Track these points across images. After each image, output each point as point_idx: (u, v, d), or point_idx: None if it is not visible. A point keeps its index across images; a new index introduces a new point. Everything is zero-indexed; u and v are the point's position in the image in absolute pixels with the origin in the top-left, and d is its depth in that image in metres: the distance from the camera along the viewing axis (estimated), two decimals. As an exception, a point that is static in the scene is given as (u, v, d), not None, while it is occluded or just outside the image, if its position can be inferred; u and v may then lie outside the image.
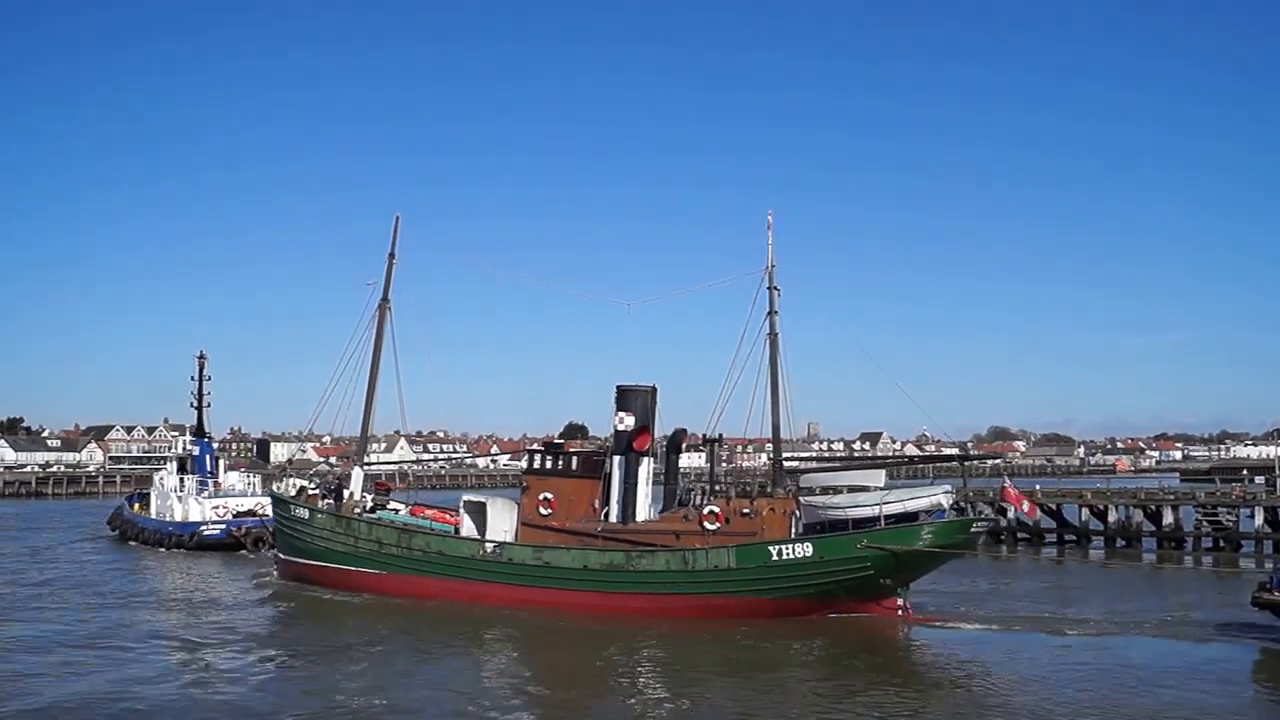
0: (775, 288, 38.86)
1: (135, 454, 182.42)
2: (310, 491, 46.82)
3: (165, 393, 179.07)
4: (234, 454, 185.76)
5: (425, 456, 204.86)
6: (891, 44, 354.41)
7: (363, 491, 46.38)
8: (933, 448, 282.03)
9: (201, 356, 72.67)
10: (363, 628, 34.97)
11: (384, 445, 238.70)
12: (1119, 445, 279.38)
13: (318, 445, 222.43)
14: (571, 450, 43.80)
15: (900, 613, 34.61)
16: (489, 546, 39.13)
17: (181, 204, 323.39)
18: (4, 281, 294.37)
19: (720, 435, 41.14)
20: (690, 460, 65.26)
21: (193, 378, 74.41)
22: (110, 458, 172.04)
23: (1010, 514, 55.22)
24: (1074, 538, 58.62)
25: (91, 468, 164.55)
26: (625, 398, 39.35)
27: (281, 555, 46.66)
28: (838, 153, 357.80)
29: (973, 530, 35.05)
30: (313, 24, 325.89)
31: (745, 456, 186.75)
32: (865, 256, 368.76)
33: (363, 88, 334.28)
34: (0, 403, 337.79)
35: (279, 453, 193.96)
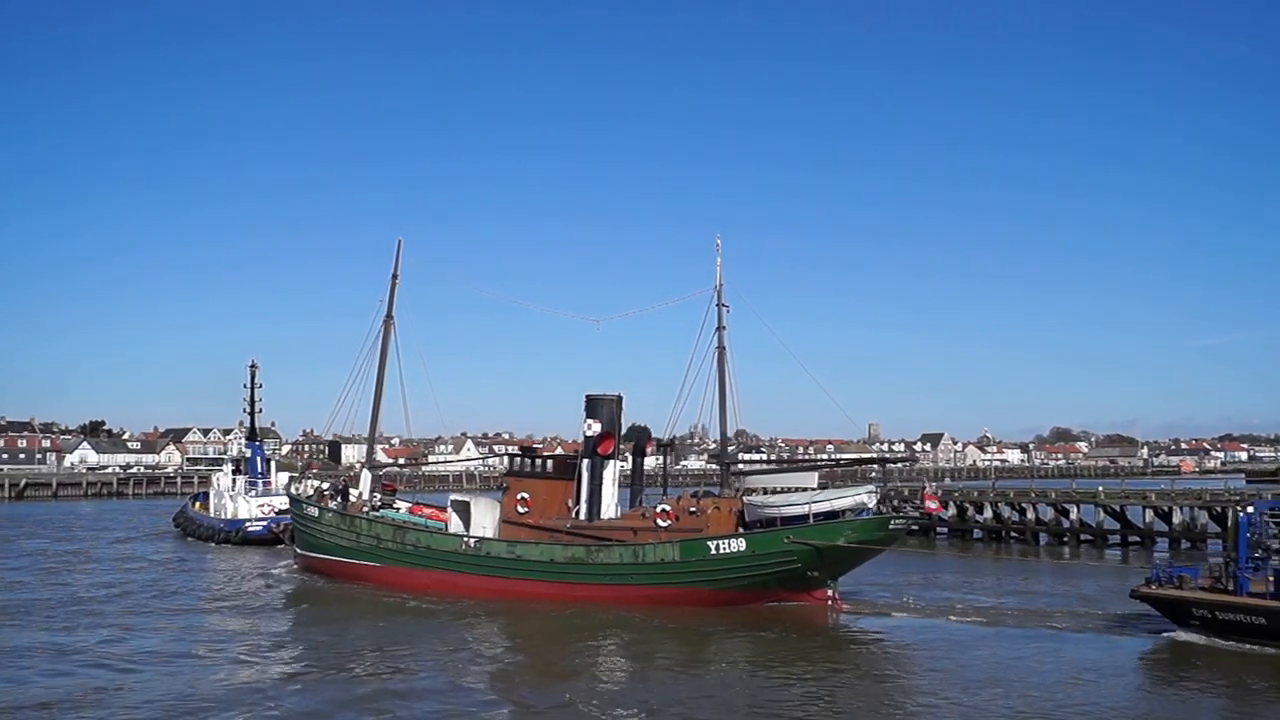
0: (724, 305, 42.30)
1: (211, 455, 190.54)
2: (325, 492, 51.43)
3: (240, 397, 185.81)
4: (306, 456, 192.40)
5: (492, 459, 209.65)
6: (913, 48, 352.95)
7: (371, 491, 51.02)
8: (994, 449, 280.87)
9: (253, 365, 78.32)
10: (354, 619, 38.78)
11: (452, 447, 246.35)
12: (1183, 446, 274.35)
13: (386, 447, 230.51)
14: (546, 454, 47.60)
15: (830, 602, 37.69)
16: (470, 541, 43.13)
17: (250, 215, 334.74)
18: (87, 290, 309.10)
19: (673, 440, 44.54)
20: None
21: (245, 385, 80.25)
22: (187, 459, 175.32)
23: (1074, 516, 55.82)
24: (1138, 539, 58.15)
25: (170, 469, 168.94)
26: (593, 406, 43.08)
27: (299, 550, 51.38)
28: (901, 161, 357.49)
29: (891, 528, 37.85)
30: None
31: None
32: (920, 262, 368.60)
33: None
34: (82, 407, 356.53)
35: (350, 454, 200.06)
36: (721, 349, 41.91)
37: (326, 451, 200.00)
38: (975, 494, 69.43)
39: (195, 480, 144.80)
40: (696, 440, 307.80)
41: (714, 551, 37.93)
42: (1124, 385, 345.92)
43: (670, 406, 42.59)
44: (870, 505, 38.11)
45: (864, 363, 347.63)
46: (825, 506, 38.00)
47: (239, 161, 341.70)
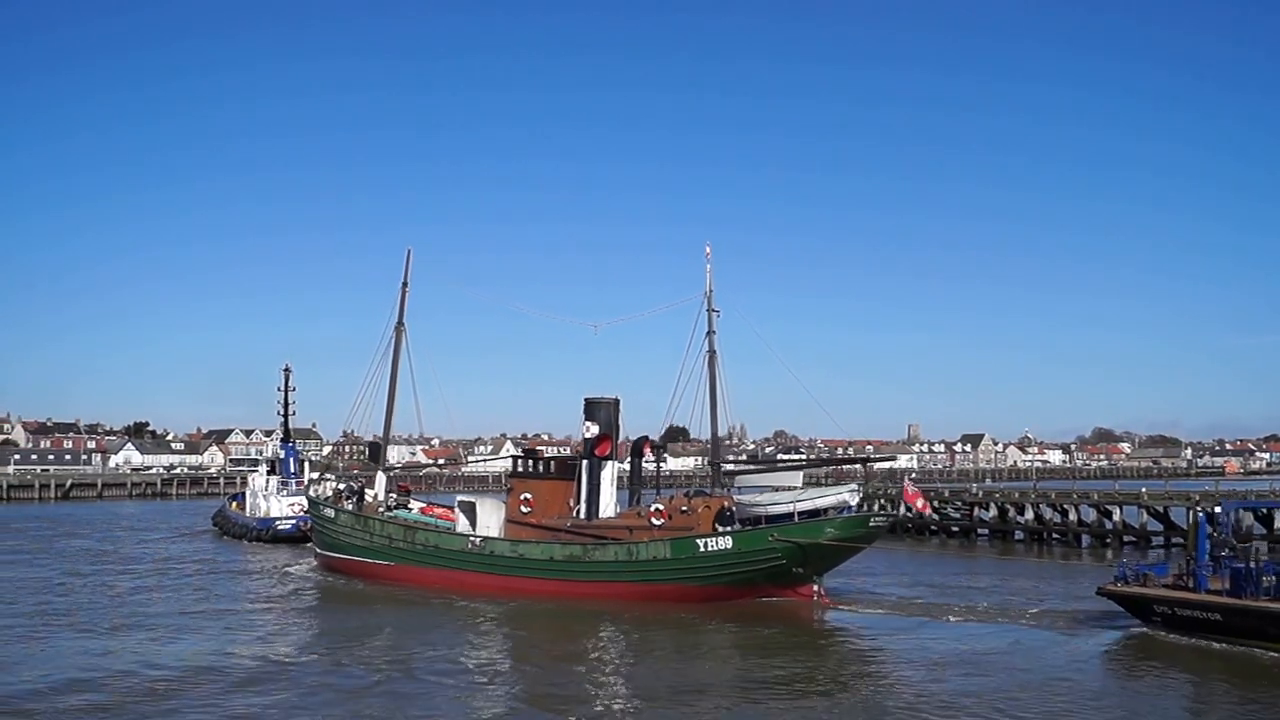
0: (715, 310, 43.78)
1: (253, 456, 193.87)
2: (341, 493, 53.42)
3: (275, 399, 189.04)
4: (347, 456, 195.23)
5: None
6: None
7: (387, 492, 52.93)
8: (1035, 450, 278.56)
9: (287, 369, 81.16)
10: (363, 612, 40.74)
11: (491, 448, 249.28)
12: (1228, 447, 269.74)
13: (427, 448, 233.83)
14: (547, 456, 49.21)
15: (815, 598, 38.88)
16: (475, 540, 44.80)
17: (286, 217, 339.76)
18: (131, 293, 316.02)
19: (666, 441, 45.96)
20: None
21: (279, 388, 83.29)
22: (230, 460, 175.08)
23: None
24: (1181, 541, 55.86)
25: (213, 469, 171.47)
26: (591, 408, 44.63)
27: (318, 550, 53.38)
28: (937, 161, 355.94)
29: (871, 525, 38.99)
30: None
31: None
32: (962, 265, 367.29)
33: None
34: (127, 408, 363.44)
35: (391, 455, 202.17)
36: (712, 353, 43.32)
37: (367, 452, 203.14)
38: (1016, 495, 69.25)
39: (237, 481, 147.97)
40: (735, 441, 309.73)
41: (703, 549, 39.27)
42: (1167, 385, 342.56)
43: (664, 409, 44.06)
44: (852, 504, 39.27)
45: (905, 365, 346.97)
46: (809, 505, 39.22)
47: (263, 162, 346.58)
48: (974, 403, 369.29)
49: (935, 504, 67.35)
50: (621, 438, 45.92)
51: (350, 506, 50.99)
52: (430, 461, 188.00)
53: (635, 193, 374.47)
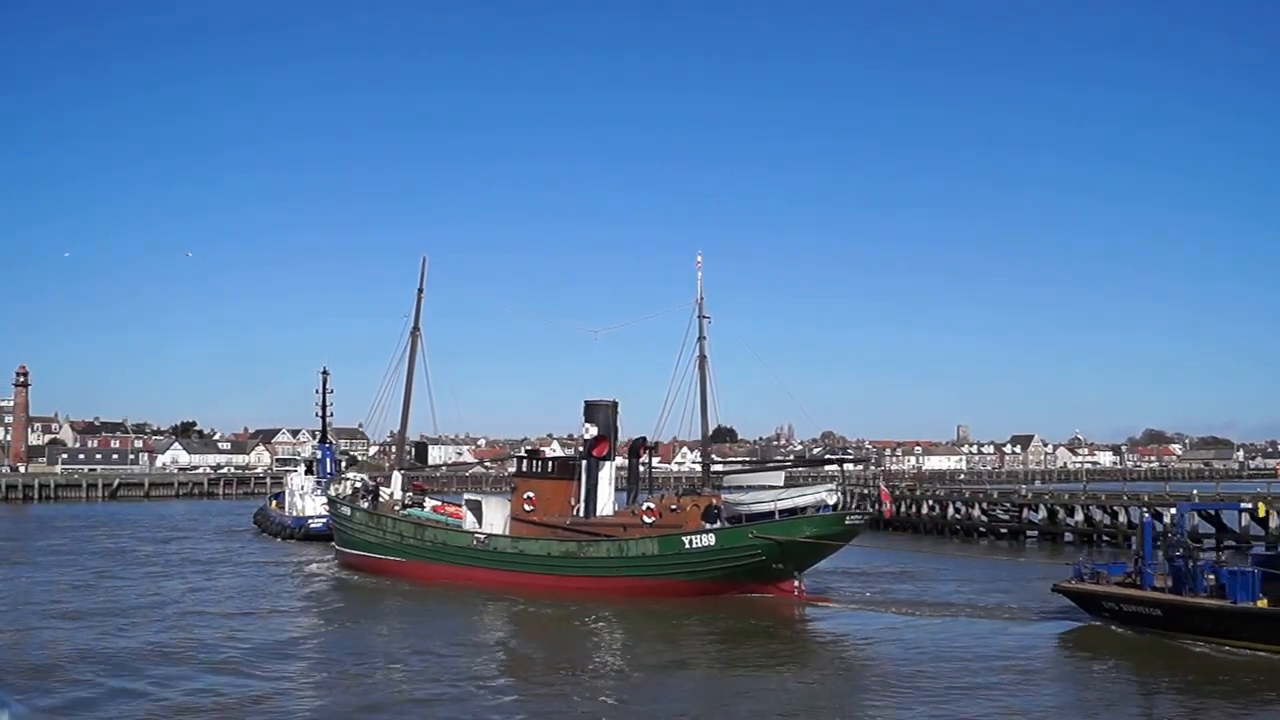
0: (705, 316, 45.66)
1: (307, 455, 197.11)
2: (359, 491, 55.95)
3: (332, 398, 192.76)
4: (394, 456, 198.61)
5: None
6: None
7: (402, 490, 55.38)
8: (1085, 451, 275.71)
9: (324, 372, 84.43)
10: (356, 612, 43.08)
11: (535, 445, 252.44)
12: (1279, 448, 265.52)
13: (473, 448, 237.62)
14: (549, 456, 51.31)
15: (795, 593, 40.49)
16: (480, 537, 46.99)
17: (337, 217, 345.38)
18: (181, 294, 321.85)
19: (657, 443, 47.85)
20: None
21: (317, 390, 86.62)
22: (276, 459, 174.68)
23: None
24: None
25: (259, 469, 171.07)
26: (591, 411, 46.63)
27: (337, 547, 55.92)
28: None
29: (846, 523, 40.52)
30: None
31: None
32: (1021, 265, 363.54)
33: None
34: (174, 408, 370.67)
35: (436, 455, 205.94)
36: (702, 358, 45.14)
37: (413, 452, 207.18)
38: (1066, 496, 68.93)
39: (283, 480, 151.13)
40: (783, 442, 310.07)
41: (687, 546, 41.07)
42: (1222, 386, 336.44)
43: (659, 411, 46.00)
44: (830, 503, 40.83)
45: (955, 366, 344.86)
46: (789, 504, 40.87)
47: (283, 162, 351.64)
48: (1024, 404, 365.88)
49: (984, 506, 68.14)
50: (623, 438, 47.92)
51: (365, 505, 53.45)
52: (476, 461, 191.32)
53: (639, 192, 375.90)
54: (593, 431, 46.07)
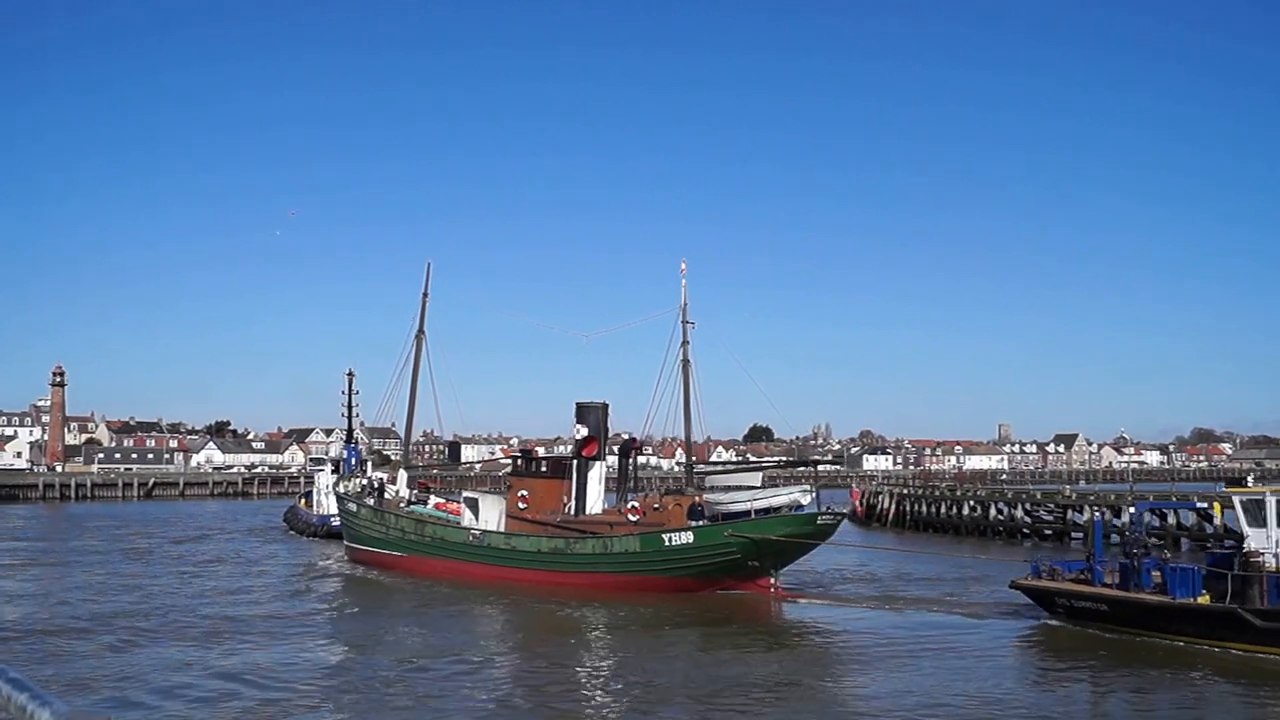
0: (689, 322, 46.77)
1: (333, 455, 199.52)
2: (365, 488, 57.79)
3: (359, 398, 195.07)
4: (427, 456, 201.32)
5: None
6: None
7: (407, 488, 57.14)
8: (1131, 450, 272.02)
9: (350, 373, 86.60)
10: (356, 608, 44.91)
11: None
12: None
13: (504, 447, 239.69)
14: (542, 456, 52.78)
15: (771, 590, 41.55)
16: (475, 533, 48.55)
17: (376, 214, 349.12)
18: (215, 292, 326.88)
19: (641, 444, 49.11)
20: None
21: (343, 391, 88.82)
22: (310, 459, 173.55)
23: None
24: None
25: (293, 469, 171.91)
26: (582, 412, 47.93)
27: (347, 543, 57.82)
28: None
29: (819, 523, 41.46)
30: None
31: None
32: (1058, 265, 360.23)
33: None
34: (209, 407, 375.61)
35: (469, 454, 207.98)
36: (686, 362, 46.35)
37: (446, 452, 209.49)
38: (1112, 497, 66.41)
39: (313, 480, 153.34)
40: (820, 441, 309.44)
41: (667, 543, 42.26)
42: (1272, 384, 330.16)
43: (644, 413, 47.36)
44: (804, 503, 41.84)
45: (996, 364, 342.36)
46: (765, 503, 41.96)
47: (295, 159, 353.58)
48: (1068, 402, 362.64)
49: (1027, 506, 67.58)
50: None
51: (371, 502, 55.27)
52: (508, 460, 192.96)
53: (640, 191, 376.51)
54: (583, 432, 47.40)
